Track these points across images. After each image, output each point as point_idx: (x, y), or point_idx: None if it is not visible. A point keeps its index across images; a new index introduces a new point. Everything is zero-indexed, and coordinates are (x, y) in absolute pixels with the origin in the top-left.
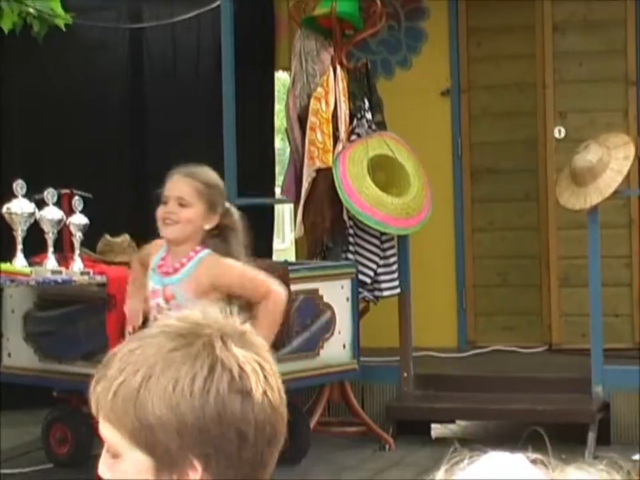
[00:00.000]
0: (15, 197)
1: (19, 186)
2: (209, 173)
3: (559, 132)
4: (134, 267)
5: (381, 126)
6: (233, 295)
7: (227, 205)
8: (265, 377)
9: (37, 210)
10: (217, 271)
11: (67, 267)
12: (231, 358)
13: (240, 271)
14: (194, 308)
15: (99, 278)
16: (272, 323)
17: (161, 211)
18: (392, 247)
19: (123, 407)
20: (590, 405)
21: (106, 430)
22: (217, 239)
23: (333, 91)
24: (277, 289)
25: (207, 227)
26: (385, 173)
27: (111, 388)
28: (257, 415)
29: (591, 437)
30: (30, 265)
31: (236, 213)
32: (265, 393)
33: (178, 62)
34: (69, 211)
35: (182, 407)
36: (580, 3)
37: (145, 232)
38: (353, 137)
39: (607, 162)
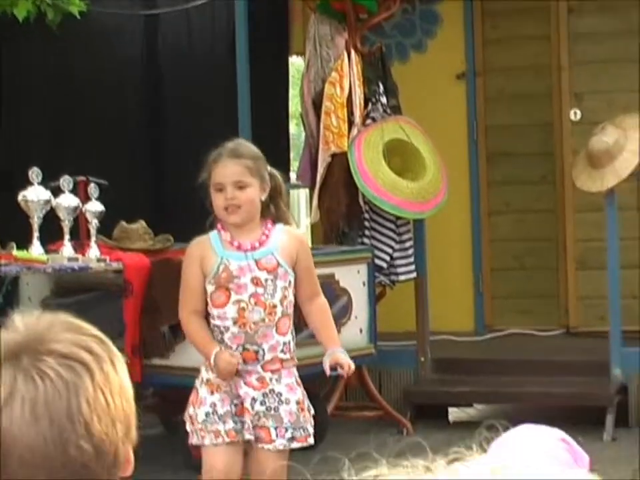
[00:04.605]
0: (31, 184)
1: (35, 173)
2: (249, 147)
3: (575, 114)
4: (199, 290)
5: (396, 110)
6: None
7: (269, 169)
8: None
9: (52, 197)
10: (299, 242)
11: (83, 254)
12: None
13: (310, 255)
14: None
15: (115, 265)
16: (332, 320)
17: (220, 200)
18: (408, 231)
19: None
20: (608, 388)
21: None
22: (269, 205)
23: (347, 75)
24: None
25: (263, 198)
26: (400, 157)
27: None
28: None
29: (609, 419)
30: (46, 252)
31: (278, 175)
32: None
33: (192, 47)
34: (85, 198)
35: None
36: None
37: (161, 218)
38: (368, 122)
39: (624, 143)
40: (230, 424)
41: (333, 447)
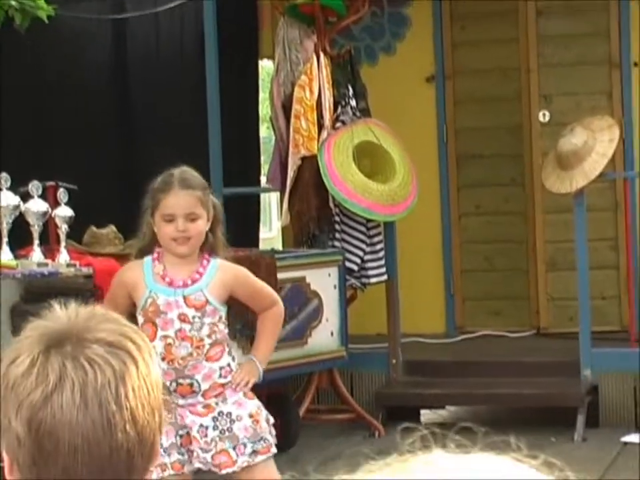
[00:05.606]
0: None
1: (4, 179)
2: (197, 176)
3: (544, 116)
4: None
5: (365, 113)
6: (236, 301)
7: (211, 198)
8: None
9: (21, 203)
10: (233, 277)
11: (53, 260)
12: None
13: (251, 280)
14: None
15: (85, 270)
16: (275, 333)
17: (170, 230)
18: (378, 234)
19: None
20: (578, 388)
21: None
22: (207, 233)
23: (316, 78)
24: (281, 303)
25: (207, 228)
26: (370, 159)
27: None
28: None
29: (580, 419)
30: (16, 257)
31: (218, 203)
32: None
33: (162, 51)
34: (54, 203)
35: None
36: None
37: (131, 223)
38: (338, 124)
39: (592, 145)
40: (175, 456)
41: (305, 449)
